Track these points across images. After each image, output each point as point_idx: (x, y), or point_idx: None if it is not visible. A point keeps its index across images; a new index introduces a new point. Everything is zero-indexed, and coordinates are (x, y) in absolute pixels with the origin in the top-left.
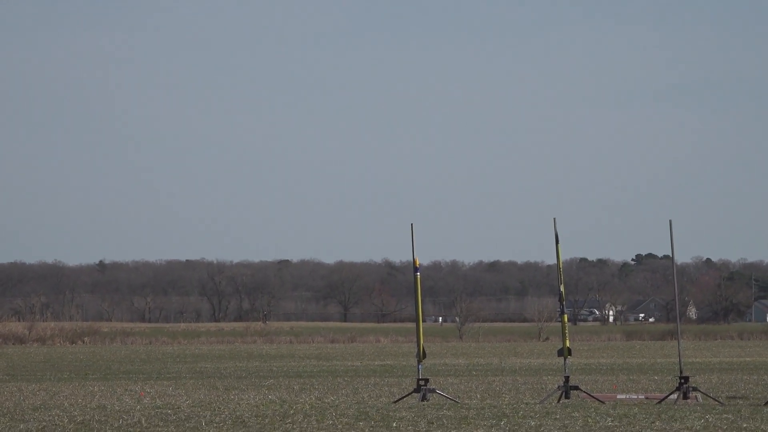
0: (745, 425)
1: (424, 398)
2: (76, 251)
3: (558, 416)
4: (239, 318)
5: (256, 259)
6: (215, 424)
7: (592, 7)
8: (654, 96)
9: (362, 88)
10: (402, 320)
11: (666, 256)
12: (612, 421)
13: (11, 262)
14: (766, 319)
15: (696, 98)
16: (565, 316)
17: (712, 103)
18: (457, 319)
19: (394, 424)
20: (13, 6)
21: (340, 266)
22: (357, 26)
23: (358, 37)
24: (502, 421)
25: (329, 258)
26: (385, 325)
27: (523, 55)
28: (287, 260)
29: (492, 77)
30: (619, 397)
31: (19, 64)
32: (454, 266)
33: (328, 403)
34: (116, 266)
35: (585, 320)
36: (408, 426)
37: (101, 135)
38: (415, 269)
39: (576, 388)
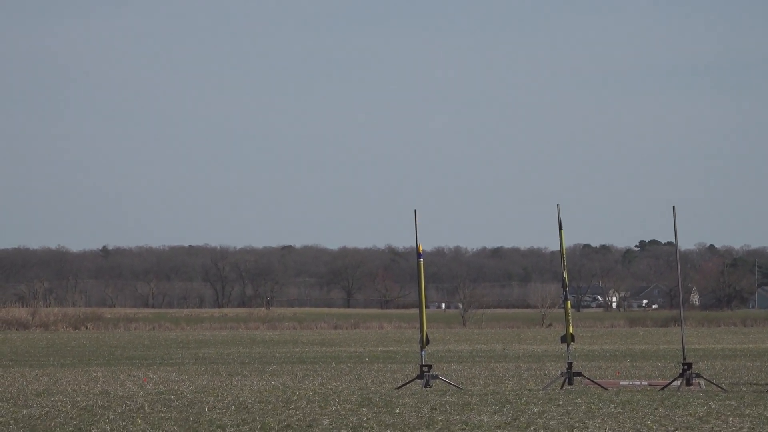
0: (748, 412)
1: (427, 384)
2: (80, 237)
3: (561, 402)
4: (242, 304)
5: (260, 245)
6: (218, 410)
7: None
8: (656, 81)
9: (365, 74)
10: (405, 306)
11: (669, 243)
12: (615, 407)
13: (15, 248)
14: None
15: (698, 84)
16: (569, 302)
17: (715, 89)
18: (461, 305)
19: (397, 410)
20: None
21: (344, 252)
22: (360, 10)
23: (361, 21)
24: (505, 407)
25: (332, 244)
26: (388, 311)
27: (524, 40)
28: (290, 246)
29: (494, 63)
30: (622, 383)
31: (16, 51)
32: (457, 252)
33: (331, 389)
34: (120, 252)
35: (588, 306)
36: (411, 412)
37: (104, 121)
38: (419, 255)
39: (579, 374)
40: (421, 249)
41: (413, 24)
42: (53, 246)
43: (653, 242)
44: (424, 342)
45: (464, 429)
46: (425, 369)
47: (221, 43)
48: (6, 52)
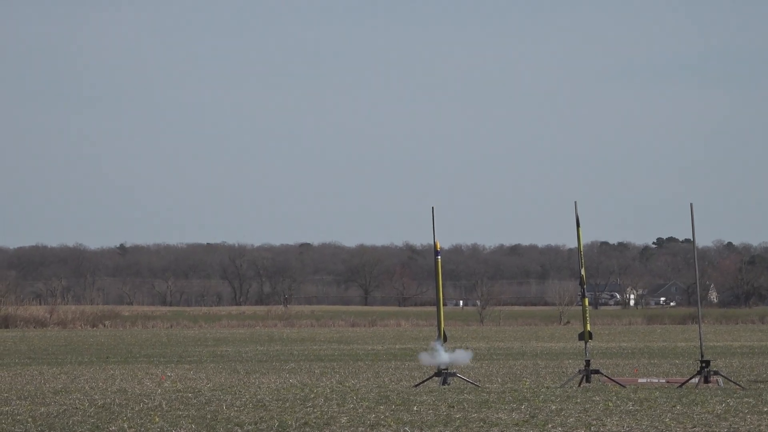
0: (766, 409)
1: (444, 382)
2: (98, 235)
3: (579, 400)
4: (260, 301)
5: (277, 243)
6: (236, 408)
7: None
8: (674, 78)
9: (382, 68)
10: (423, 304)
11: (687, 240)
12: (633, 405)
13: (33, 246)
14: None
15: (716, 80)
16: (586, 299)
17: (733, 85)
18: (478, 302)
19: (415, 408)
20: None
21: (361, 250)
22: (380, 6)
23: (381, 18)
24: (522, 404)
25: (350, 241)
26: (406, 308)
27: (543, 34)
28: (308, 243)
29: (512, 58)
30: (640, 381)
31: (32, 47)
32: (475, 250)
33: (349, 387)
34: (137, 249)
35: (606, 304)
36: (428, 410)
37: (121, 118)
38: (436, 253)
39: (597, 371)
40: (438, 246)
41: (433, 21)
42: (71, 244)
43: (671, 239)
44: (443, 339)
45: (482, 427)
46: (443, 367)
47: (239, 40)
48: (23, 48)
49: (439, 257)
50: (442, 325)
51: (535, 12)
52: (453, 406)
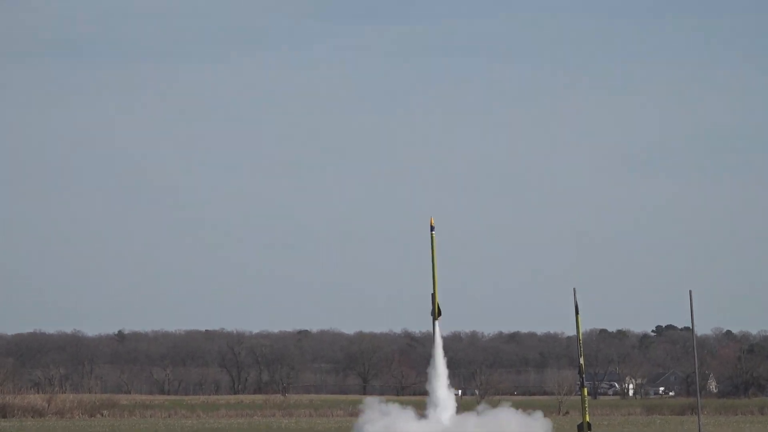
0: None
1: None
2: (96, 321)
3: None
4: (259, 390)
5: (276, 329)
6: None
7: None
8: (673, 165)
9: (379, 159)
10: (422, 393)
11: (686, 328)
12: None
13: (31, 332)
14: None
15: (715, 167)
16: (585, 389)
17: (731, 172)
18: (477, 392)
19: None
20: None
21: (360, 337)
22: (366, 91)
23: (367, 98)
24: None
25: (349, 328)
26: (404, 398)
27: (539, 122)
28: (306, 330)
29: (506, 142)
30: None
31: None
32: (473, 337)
33: None
34: (135, 336)
35: (605, 393)
36: None
37: (116, 204)
38: (432, 228)
39: None
40: (432, 222)
41: (428, 100)
42: (69, 330)
43: (670, 327)
44: (436, 313)
45: None
46: None
47: (234, 120)
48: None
49: (434, 232)
50: (437, 299)
51: (541, 103)
52: None
